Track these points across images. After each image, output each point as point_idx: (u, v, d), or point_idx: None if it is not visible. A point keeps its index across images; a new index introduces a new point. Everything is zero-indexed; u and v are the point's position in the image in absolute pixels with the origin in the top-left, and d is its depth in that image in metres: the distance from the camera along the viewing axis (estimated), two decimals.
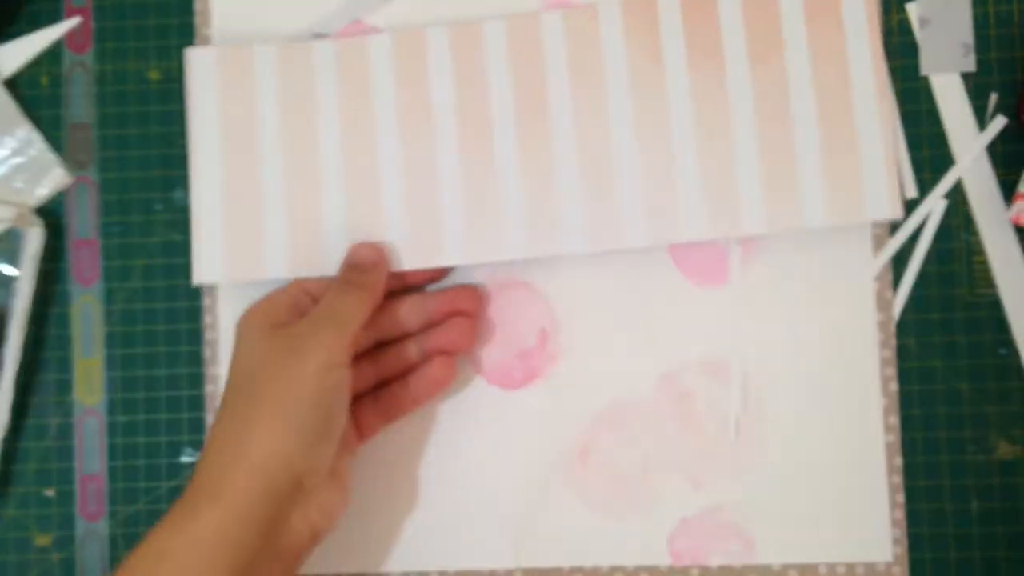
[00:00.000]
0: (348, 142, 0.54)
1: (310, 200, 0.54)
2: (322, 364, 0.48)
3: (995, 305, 0.54)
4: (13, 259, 0.56)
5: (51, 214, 0.57)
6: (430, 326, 0.53)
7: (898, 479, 0.53)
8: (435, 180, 0.54)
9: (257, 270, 0.54)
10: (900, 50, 0.55)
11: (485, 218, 0.53)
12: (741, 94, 0.53)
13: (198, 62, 0.55)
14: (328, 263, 0.54)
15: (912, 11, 0.55)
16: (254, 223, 0.54)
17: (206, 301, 0.56)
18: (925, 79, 0.54)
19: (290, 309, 0.51)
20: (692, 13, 0.54)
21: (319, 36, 0.56)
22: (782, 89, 0.53)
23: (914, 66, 0.55)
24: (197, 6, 0.56)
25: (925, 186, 0.54)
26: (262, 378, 0.48)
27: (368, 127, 0.54)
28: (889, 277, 0.54)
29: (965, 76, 0.54)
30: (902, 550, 0.53)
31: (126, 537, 0.55)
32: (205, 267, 0.54)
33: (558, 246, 0.53)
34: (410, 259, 0.54)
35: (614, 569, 0.54)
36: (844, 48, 0.53)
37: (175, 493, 0.55)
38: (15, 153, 0.57)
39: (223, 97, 0.55)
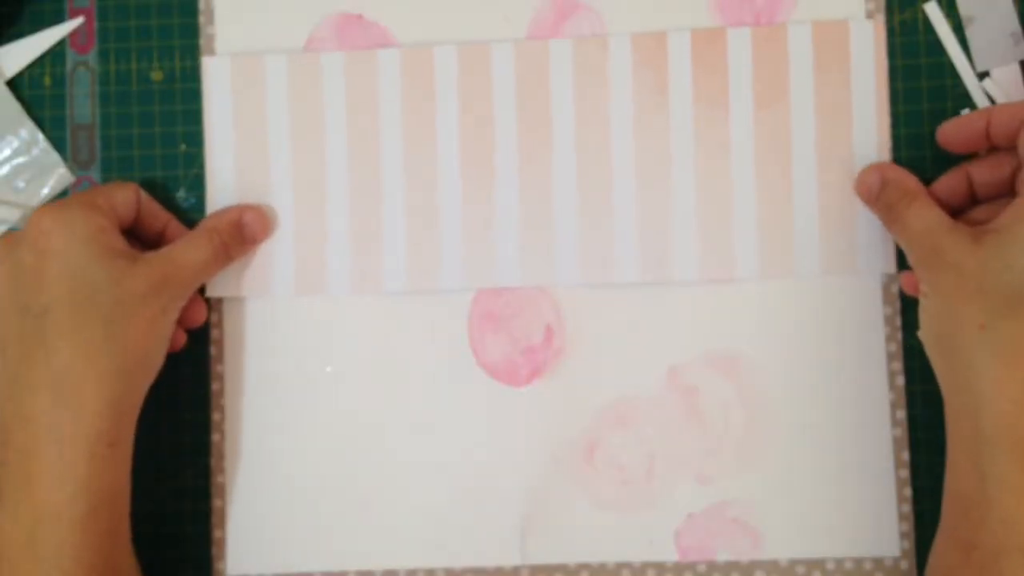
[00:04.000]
0: (354, 157, 0.55)
1: (317, 217, 0.55)
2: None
3: None
4: None
5: None
6: None
7: (905, 473, 0.53)
8: (435, 202, 0.55)
9: (266, 287, 0.55)
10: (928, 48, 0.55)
11: (482, 244, 0.54)
12: (743, 138, 0.54)
13: (214, 71, 0.56)
14: (331, 283, 0.55)
15: (930, 11, 0.55)
16: (266, 246, 0.55)
17: (212, 298, 0.56)
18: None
19: (115, 224, 0.52)
20: (701, 52, 0.54)
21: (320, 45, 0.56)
22: (784, 136, 0.54)
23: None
24: (200, 5, 0.57)
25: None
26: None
27: (373, 143, 0.55)
28: (895, 271, 0.53)
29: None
30: (910, 544, 0.53)
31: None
32: (219, 280, 0.55)
33: (551, 277, 0.54)
34: (407, 282, 0.54)
35: (621, 565, 0.53)
36: (849, 99, 0.54)
37: (177, 493, 0.55)
38: (18, 153, 0.57)
39: (237, 108, 0.56)
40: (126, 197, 0.53)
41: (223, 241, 0.53)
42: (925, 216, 0.49)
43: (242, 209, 0.54)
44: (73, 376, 0.47)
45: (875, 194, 0.52)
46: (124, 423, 0.49)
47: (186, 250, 0.52)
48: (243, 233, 0.54)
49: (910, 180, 0.51)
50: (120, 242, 0.50)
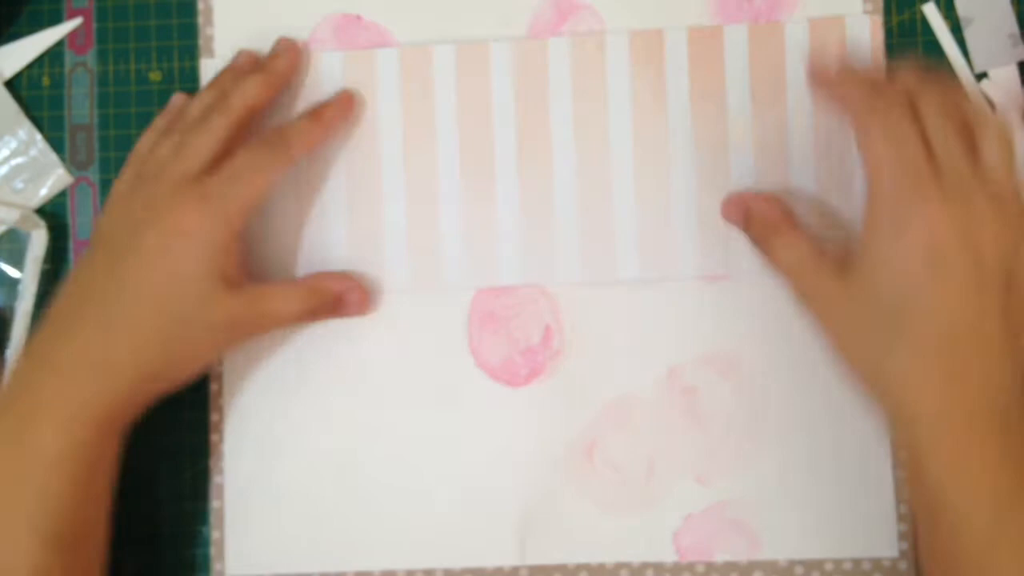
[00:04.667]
0: (353, 156, 0.55)
1: (316, 216, 0.55)
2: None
3: None
4: (14, 260, 0.56)
5: (52, 215, 0.56)
6: None
7: (905, 474, 0.53)
8: (435, 201, 0.55)
9: None
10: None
11: (482, 242, 0.55)
12: (741, 135, 0.54)
13: (213, 73, 0.55)
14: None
15: (929, 13, 0.55)
16: (265, 245, 0.55)
17: None
18: None
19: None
20: (698, 49, 0.54)
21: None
22: (782, 132, 0.54)
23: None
24: (199, 6, 0.57)
25: None
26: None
27: (372, 142, 0.55)
28: None
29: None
30: (909, 545, 0.53)
31: (127, 538, 0.54)
32: None
33: (551, 275, 0.54)
34: (408, 280, 0.55)
35: (619, 566, 0.53)
36: None
37: (176, 494, 0.55)
38: (16, 154, 0.57)
39: None
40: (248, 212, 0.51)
41: (317, 306, 0.53)
42: (791, 252, 0.49)
43: (350, 286, 0.54)
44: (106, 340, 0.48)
45: (743, 226, 0.52)
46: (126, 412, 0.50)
47: (280, 302, 0.51)
48: (339, 308, 0.54)
49: (773, 211, 0.51)
50: (236, 263, 0.50)
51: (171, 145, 0.51)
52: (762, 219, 0.51)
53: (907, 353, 0.45)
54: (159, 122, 0.54)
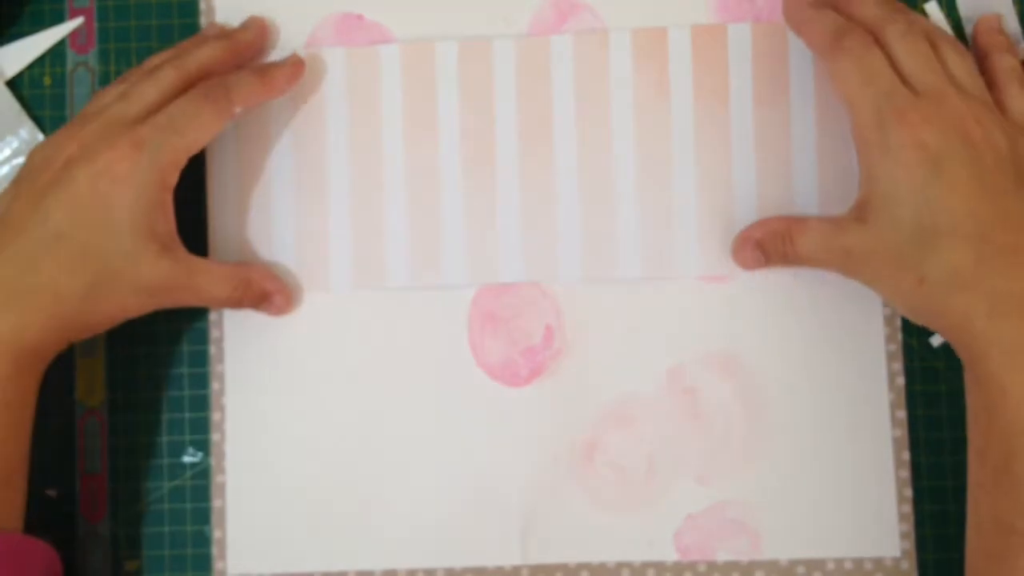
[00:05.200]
0: (356, 153, 0.55)
1: (319, 213, 0.55)
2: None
3: None
4: None
5: None
6: None
7: (905, 473, 0.53)
8: (436, 198, 0.55)
9: None
10: None
11: (484, 239, 0.54)
12: (744, 134, 0.54)
13: None
14: (333, 279, 0.55)
15: (931, 11, 0.55)
16: (267, 242, 0.55)
17: None
18: None
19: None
20: (701, 48, 0.54)
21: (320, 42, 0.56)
22: (784, 132, 0.54)
23: None
24: (201, 6, 0.57)
25: None
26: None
27: (375, 139, 0.55)
28: None
29: None
30: (910, 544, 0.53)
31: (127, 538, 0.55)
32: None
33: (553, 274, 0.54)
34: (409, 277, 0.55)
35: (621, 565, 0.53)
36: None
37: (177, 493, 0.55)
38: (17, 153, 0.57)
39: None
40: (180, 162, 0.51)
41: (242, 296, 0.53)
42: (810, 241, 0.50)
43: (278, 288, 0.54)
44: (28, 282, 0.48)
45: (764, 259, 0.52)
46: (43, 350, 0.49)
47: (208, 280, 0.51)
48: (262, 305, 0.54)
49: (776, 222, 0.51)
50: (167, 221, 0.50)
51: (117, 91, 0.51)
52: (772, 236, 0.51)
53: (947, 264, 0.46)
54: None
